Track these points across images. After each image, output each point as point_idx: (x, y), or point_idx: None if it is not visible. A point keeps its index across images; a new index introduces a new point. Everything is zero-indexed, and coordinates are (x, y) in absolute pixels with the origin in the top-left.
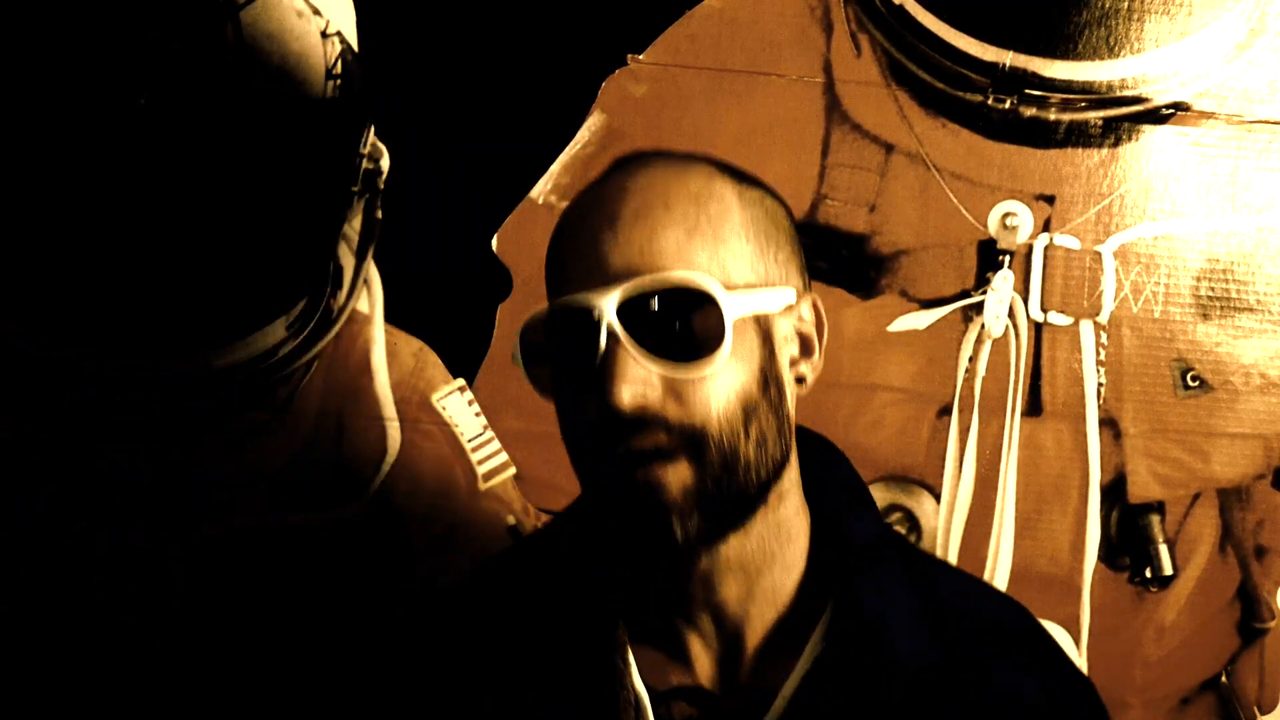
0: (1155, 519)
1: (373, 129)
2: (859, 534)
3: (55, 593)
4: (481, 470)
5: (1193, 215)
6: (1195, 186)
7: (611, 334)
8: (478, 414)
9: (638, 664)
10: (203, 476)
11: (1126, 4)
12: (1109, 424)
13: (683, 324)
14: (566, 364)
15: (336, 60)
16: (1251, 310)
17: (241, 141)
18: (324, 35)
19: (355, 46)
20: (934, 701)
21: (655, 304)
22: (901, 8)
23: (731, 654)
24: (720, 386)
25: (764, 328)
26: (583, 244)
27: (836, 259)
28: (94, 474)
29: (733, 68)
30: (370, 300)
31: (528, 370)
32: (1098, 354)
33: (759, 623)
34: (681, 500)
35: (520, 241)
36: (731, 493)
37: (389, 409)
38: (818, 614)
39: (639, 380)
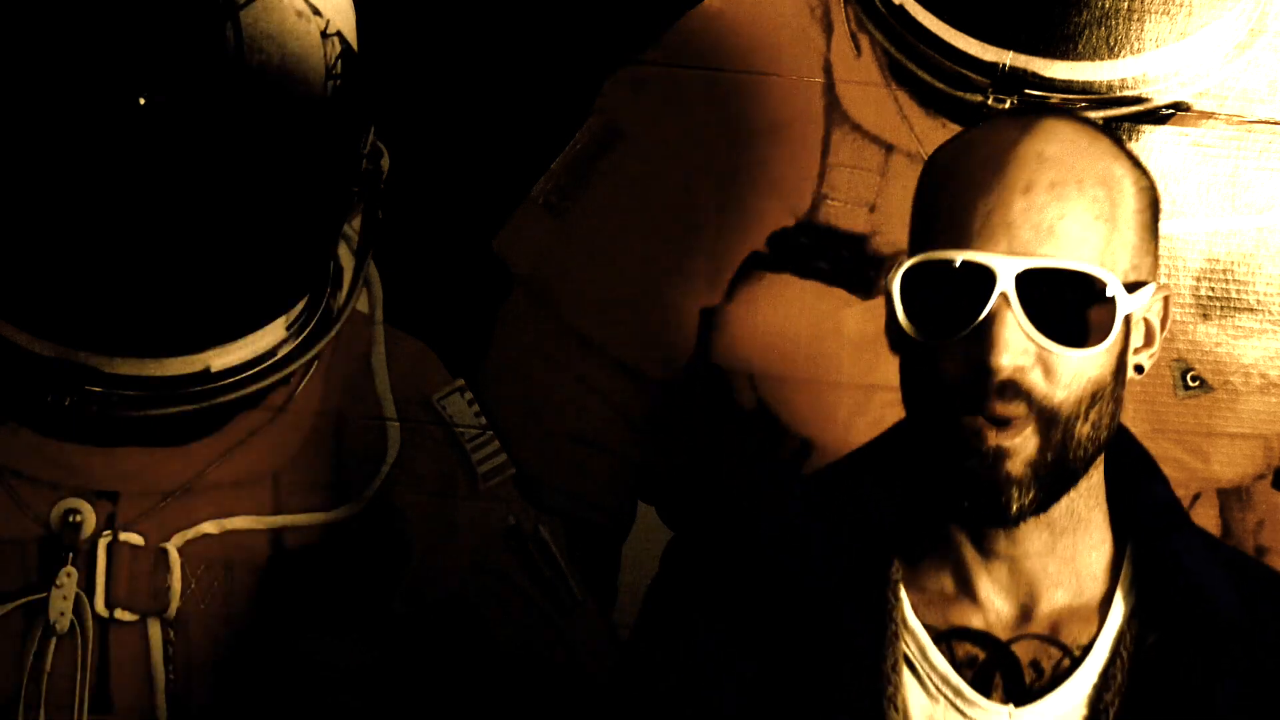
0: None
1: (373, 129)
2: (1158, 494)
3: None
4: (481, 470)
5: (1193, 215)
6: (1195, 186)
7: (1004, 299)
8: (478, 414)
9: (924, 599)
10: (203, 476)
11: (1126, 4)
12: None
13: (1075, 309)
14: (937, 315)
15: (336, 60)
16: (1251, 310)
17: (241, 142)
18: (324, 35)
19: (355, 46)
20: (1249, 658)
21: (1056, 286)
22: (901, 8)
23: (1024, 603)
24: (1086, 371)
25: (1129, 319)
26: (988, 202)
27: (836, 259)
28: (94, 473)
29: (733, 68)
30: (370, 300)
31: (905, 309)
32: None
33: (1056, 577)
34: (1022, 474)
35: (520, 241)
36: (1060, 470)
37: (389, 409)
38: (1115, 575)
39: (1020, 349)
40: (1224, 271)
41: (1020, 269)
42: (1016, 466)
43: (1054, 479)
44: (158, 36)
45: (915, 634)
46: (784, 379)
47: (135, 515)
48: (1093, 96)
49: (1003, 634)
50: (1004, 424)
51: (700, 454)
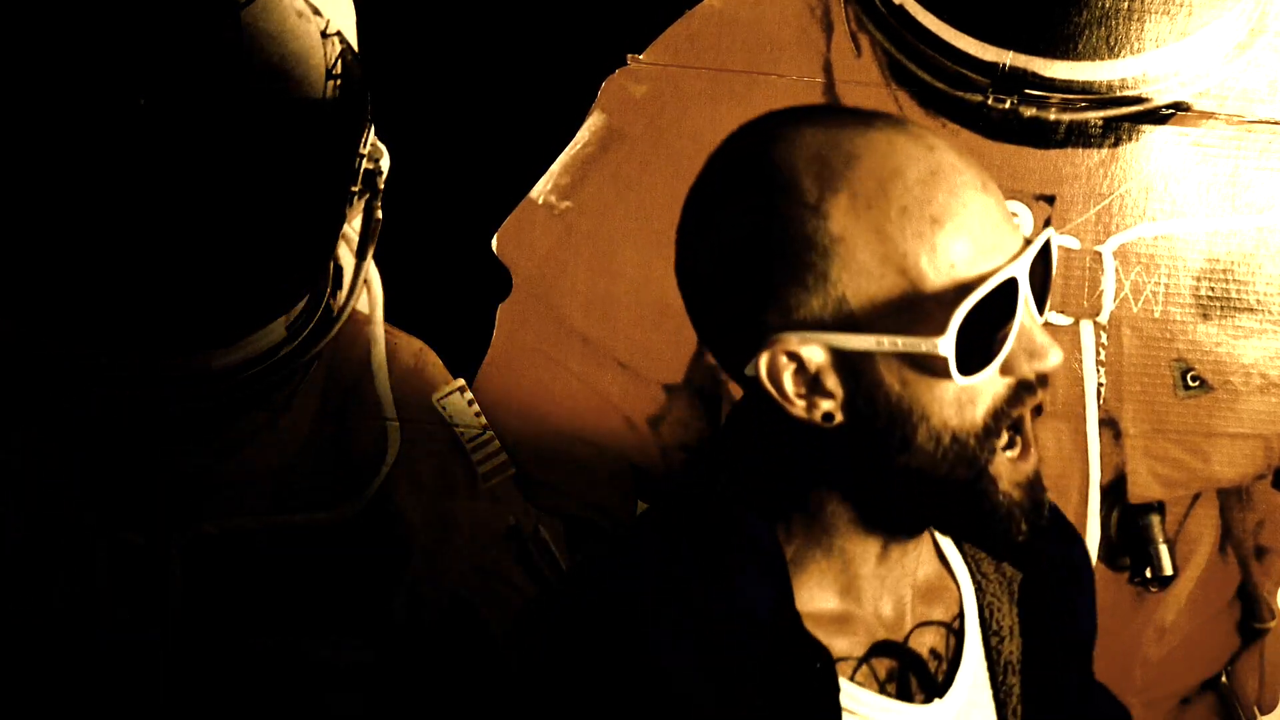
0: (1155, 519)
1: (373, 129)
2: None
3: (55, 593)
4: (481, 470)
5: (1193, 215)
6: (1195, 186)
7: (1021, 299)
8: (478, 414)
9: (824, 631)
10: (203, 476)
11: (1126, 4)
12: (1109, 424)
13: (1050, 277)
14: (973, 344)
15: (336, 60)
16: (1251, 310)
17: (241, 142)
18: (324, 35)
19: (355, 46)
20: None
21: (1046, 262)
22: (901, 8)
23: (899, 593)
24: None
25: None
26: (968, 221)
27: None
28: (94, 474)
29: (733, 68)
30: (370, 300)
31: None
32: (1098, 354)
33: (919, 555)
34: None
35: (520, 241)
36: None
37: (389, 409)
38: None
39: (1047, 337)
40: (1224, 271)
41: (1028, 260)
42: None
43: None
44: (158, 37)
45: (844, 690)
46: None
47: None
48: (1093, 96)
49: (895, 634)
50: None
51: (701, 454)
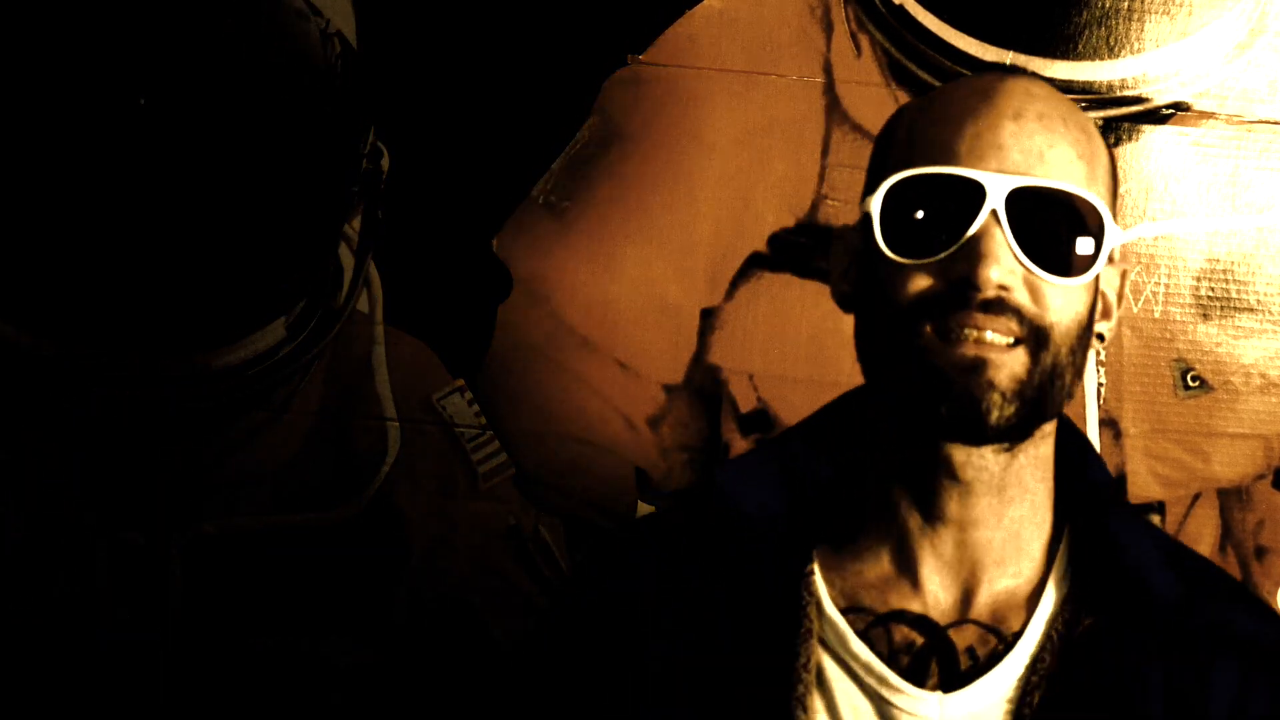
0: (1155, 519)
1: (373, 129)
2: (1098, 476)
3: (55, 593)
4: (481, 470)
5: (1193, 215)
6: (1195, 186)
7: (993, 217)
8: (478, 414)
9: (861, 582)
10: (203, 476)
11: (1126, 4)
12: (1109, 424)
13: (1064, 235)
14: (918, 235)
15: (336, 60)
16: (1251, 310)
17: (241, 142)
18: (324, 35)
19: (355, 46)
20: (1179, 643)
21: (1047, 209)
22: (901, 8)
23: (966, 584)
24: (1071, 304)
25: (1111, 259)
26: (976, 122)
27: None
28: (94, 474)
29: (733, 68)
30: (370, 300)
31: (883, 232)
32: (1098, 354)
33: (1000, 553)
34: (1008, 385)
35: (520, 241)
36: (1041, 398)
37: (389, 409)
38: (1050, 558)
39: (1007, 265)
40: (1224, 271)
41: (1013, 186)
42: (1002, 378)
43: (1035, 405)
44: (158, 37)
45: (835, 625)
46: (784, 379)
47: None
48: (1093, 96)
49: (941, 619)
50: (995, 340)
51: (700, 454)
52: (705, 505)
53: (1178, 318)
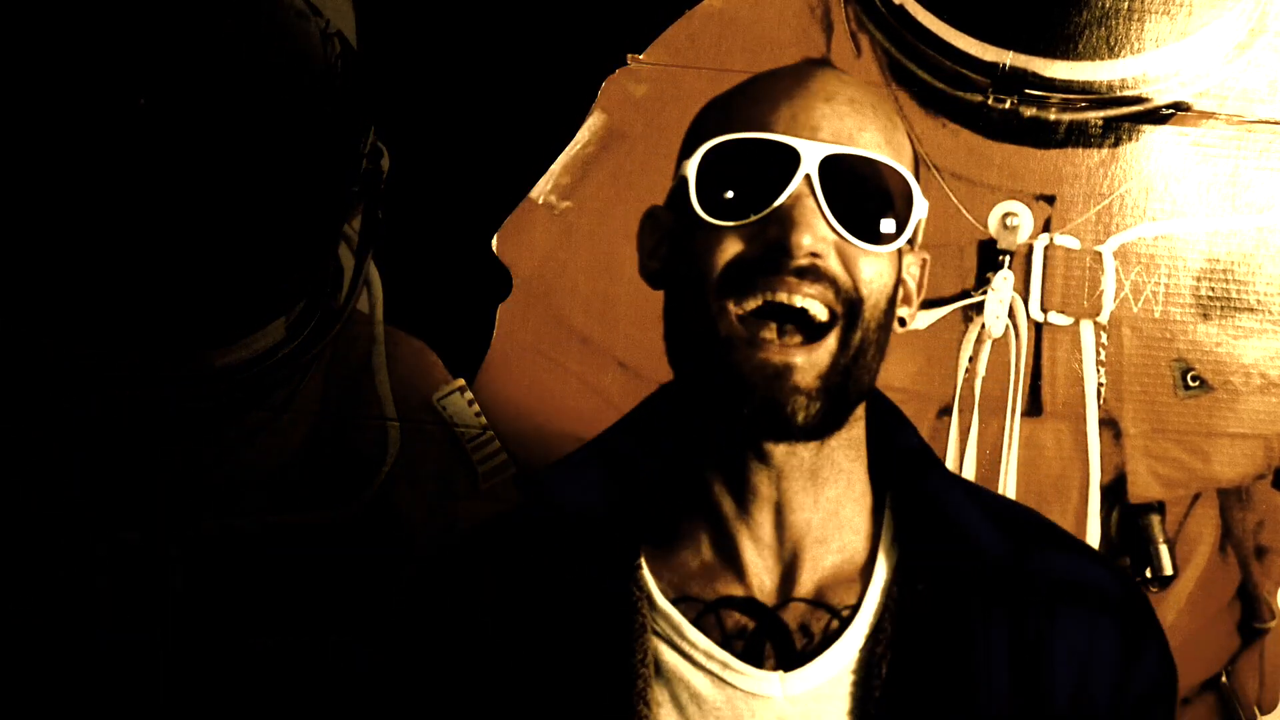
0: (1155, 519)
1: (373, 129)
2: (910, 443)
3: (55, 593)
4: (481, 470)
5: (1193, 215)
6: (1195, 186)
7: (806, 182)
8: (478, 414)
9: (685, 574)
10: (203, 476)
11: (1126, 4)
12: (1109, 424)
13: (874, 205)
14: (732, 199)
15: (336, 60)
16: (1251, 310)
17: (241, 142)
18: (324, 35)
19: (355, 46)
20: (1013, 594)
21: (858, 178)
22: (901, 8)
23: (789, 564)
24: (880, 275)
25: (901, 253)
26: (791, 103)
27: None
28: (94, 474)
29: (733, 68)
30: (370, 300)
31: (698, 195)
32: (1098, 354)
33: (820, 532)
34: (811, 384)
35: (520, 241)
36: (846, 388)
37: (389, 409)
38: (876, 531)
39: (820, 233)
40: (1224, 271)
41: (826, 153)
42: (806, 380)
43: (840, 394)
44: (158, 37)
45: (669, 616)
46: None
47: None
48: (1093, 96)
49: (767, 600)
50: (807, 323)
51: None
52: (533, 510)
53: (1178, 318)
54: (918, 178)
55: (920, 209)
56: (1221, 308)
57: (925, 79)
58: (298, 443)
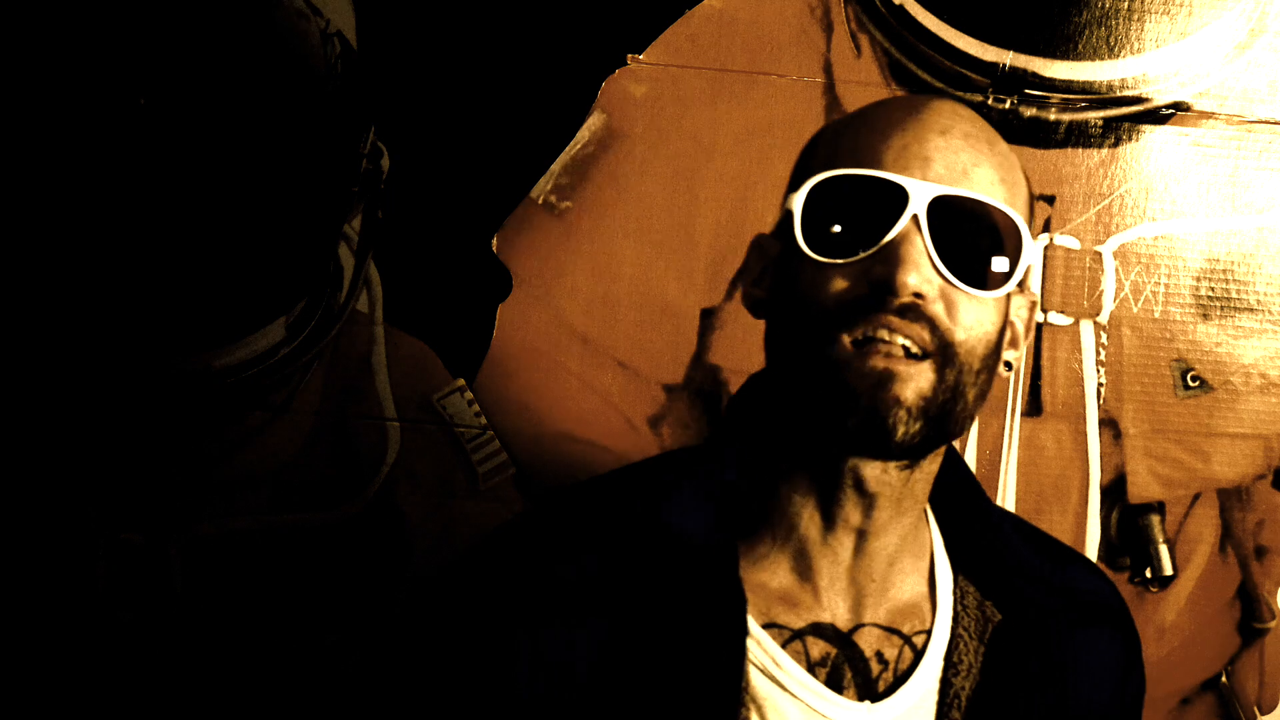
0: (1155, 519)
1: (373, 129)
2: (965, 478)
3: (55, 593)
4: (481, 470)
5: (1193, 215)
6: (1195, 186)
7: (914, 222)
8: (478, 414)
9: (767, 596)
10: (203, 476)
11: (1126, 4)
12: (1109, 424)
13: (982, 248)
14: (838, 236)
15: (336, 60)
16: (1251, 310)
17: (241, 142)
18: (324, 35)
19: (355, 46)
20: (1061, 611)
21: (967, 220)
22: (901, 8)
23: (861, 589)
24: (981, 323)
25: (1010, 296)
26: (904, 134)
27: None
28: (94, 474)
29: (733, 68)
30: (370, 300)
31: (803, 231)
32: (1098, 354)
33: (892, 561)
34: (913, 401)
35: (520, 241)
36: (944, 420)
37: (389, 409)
38: (933, 561)
39: (926, 273)
40: (1224, 271)
41: (936, 194)
42: (908, 394)
43: (938, 423)
44: (158, 37)
45: (761, 642)
46: None
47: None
48: (1093, 96)
49: (842, 624)
50: (900, 355)
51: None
52: (644, 531)
53: (1178, 318)
54: (1032, 215)
55: (1030, 253)
56: (1221, 308)
57: (925, 79)
58: (298, 443)
